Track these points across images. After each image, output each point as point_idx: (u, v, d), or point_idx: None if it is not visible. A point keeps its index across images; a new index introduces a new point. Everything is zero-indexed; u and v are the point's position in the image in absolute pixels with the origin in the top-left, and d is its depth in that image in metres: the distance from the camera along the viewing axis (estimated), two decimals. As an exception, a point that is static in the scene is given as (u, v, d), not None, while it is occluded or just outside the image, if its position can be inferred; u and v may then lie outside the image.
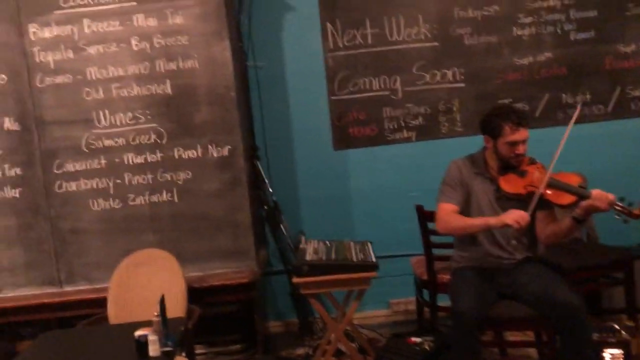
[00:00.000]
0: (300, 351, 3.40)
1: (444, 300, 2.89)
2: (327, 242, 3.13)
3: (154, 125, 3.07)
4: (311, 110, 3.69)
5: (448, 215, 2.61)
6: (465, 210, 2.65)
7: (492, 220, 2.48)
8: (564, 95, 3.63)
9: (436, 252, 3.04)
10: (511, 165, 2.58)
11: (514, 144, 2.52)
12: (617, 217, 2.31)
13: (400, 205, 3.55)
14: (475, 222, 2.56)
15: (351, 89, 3.65)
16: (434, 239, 3.03)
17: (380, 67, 3.62)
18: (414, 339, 2.81)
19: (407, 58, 3.61)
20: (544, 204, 2.51)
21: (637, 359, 2.82)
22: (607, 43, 3.58)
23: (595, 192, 2.33)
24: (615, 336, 2.56)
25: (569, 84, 3.62)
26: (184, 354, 2.42)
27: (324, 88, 3.66)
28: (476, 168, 2.68)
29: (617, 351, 2.51)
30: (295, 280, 2.86)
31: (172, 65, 3.04)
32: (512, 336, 3.21)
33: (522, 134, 2.52)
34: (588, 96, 3.63)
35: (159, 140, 3.08)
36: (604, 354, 2.52)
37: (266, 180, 3.55)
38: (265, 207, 3.61)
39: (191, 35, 3.02)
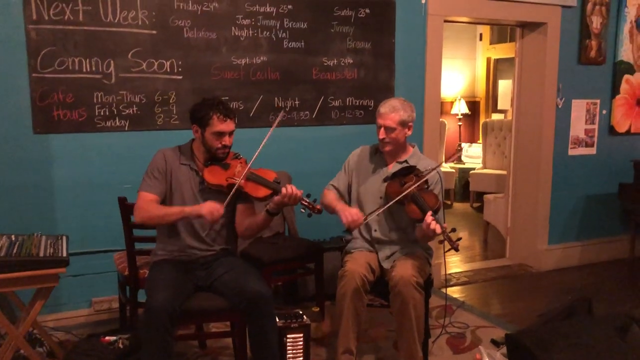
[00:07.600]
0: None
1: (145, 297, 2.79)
2: (13, 237, 2.76)
3: None
4: (6, 86, 3.22)
5: (147, 204, 2.54)
6: (168, 200, 2.62)
7: (188, 209, 2.51)
8: (276, 99, 3.83)
9: (139, 246, 2.93)
10: (217, 157, 2.63)
11: (220, 134, 2.58)
12: (302, 210, 2.51)
13: (108, 198, 3.31)
14: (173, 210, 2.56)
15: (57, 68, 3.30)
16: (137, 232, 2.92)
17: (92, 48, 3.35)
18: (108, 338, 2.65)
19: (123, 43, 3.41)
20: (243, 196, 2.61)
21: (319, 341, 3.13)
22: (314, 55, 3.90)
23: (286, 187, 2.49)
24: (297, 321, 2.77)
25: (281, 89, 3.84)
26: None
27: (24, 63, 3.23)
28: (183, 158, 2.66)
29: (297, 335, 2.74)
30: (-36, 279, 2.45)
31: None
32: (215, 328, 3.27)
33: (228, 125, 2.59)
34: (297, 102, 3.89)
35: None
36: (286, 339, 2.72)
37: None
38: (-62, 195, 3.04)
39: None
